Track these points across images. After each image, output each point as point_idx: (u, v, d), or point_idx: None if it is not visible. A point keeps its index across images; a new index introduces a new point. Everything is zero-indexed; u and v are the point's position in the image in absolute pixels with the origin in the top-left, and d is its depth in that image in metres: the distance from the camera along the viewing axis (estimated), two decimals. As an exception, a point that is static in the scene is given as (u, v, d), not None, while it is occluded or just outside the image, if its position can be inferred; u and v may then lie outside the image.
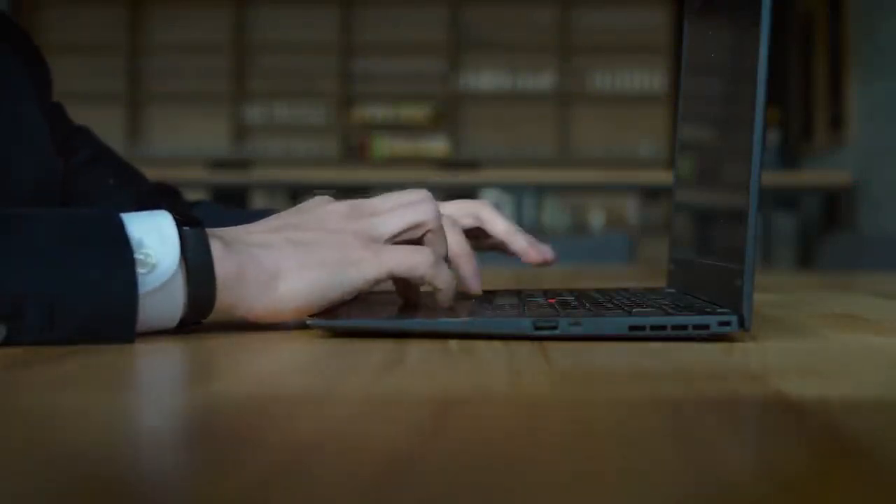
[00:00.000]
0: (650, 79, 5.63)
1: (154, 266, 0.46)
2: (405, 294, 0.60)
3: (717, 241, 0.56)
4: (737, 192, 0.50)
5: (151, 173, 0.92)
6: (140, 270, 0.46)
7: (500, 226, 0.75)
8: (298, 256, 0.51)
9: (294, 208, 0.56)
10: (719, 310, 0.50)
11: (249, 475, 0.23)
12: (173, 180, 1.00)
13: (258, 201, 4.83)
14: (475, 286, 0.63)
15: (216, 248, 0.48)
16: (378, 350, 0.45)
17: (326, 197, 0.56)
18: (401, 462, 0.24)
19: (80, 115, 0.86)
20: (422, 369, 0.41)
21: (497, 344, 0.47)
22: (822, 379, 0.38)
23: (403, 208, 0.55)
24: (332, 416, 0.31)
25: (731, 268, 0.51)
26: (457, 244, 0.64)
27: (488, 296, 0.63)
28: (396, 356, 0.43)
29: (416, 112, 5.70)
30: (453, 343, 0.47)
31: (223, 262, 0.48)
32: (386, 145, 5.71)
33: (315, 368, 0.42)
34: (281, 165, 5.30)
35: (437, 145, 5.68)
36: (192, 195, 0.97)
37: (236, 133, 5.72)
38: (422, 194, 0.57)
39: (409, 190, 0.58)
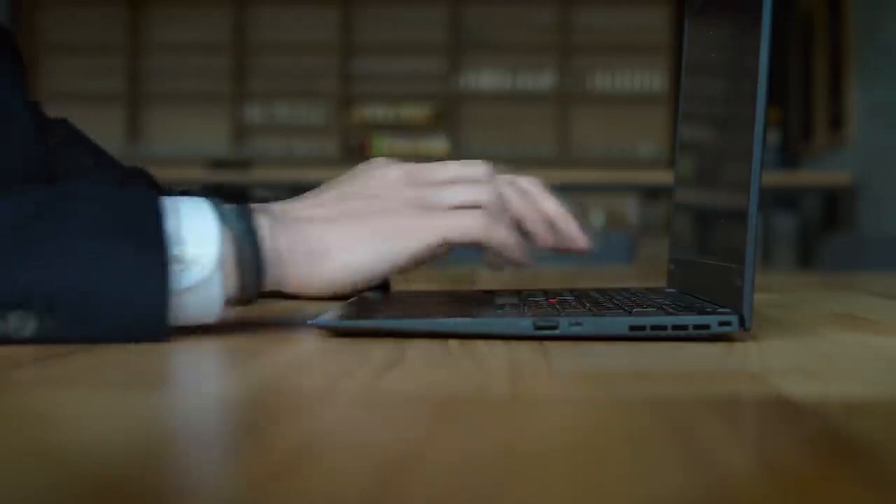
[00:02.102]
0: (650, 79, 5.63)
1: (191, 263, 0.46)
2: (496, 261, 0.57)
3: (717, 241, 0.56)
4: (737, 192, 0.50)
5: (151, 173, 0.92)
6: (176, 267, 0.45)
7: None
8: (348, 230, 0.50)
9: (350, 172, 0.55)
10: (720, 310, 0.50)
11: (249, 475, 0.23)
12: (173, 180, 1.00)
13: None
14: (583, 243, 0.59)
15: (264, 225, 0.48)
16: (378, 350, 0.45)
17: (384, 159, 0.55)
18: (401, 462, 0.24)
19: (80, 115, 0.86)
20: (422, 369, 0.41)
21: (497, 344, 0.47)
22: (822, 379, 0.38)
23: (463, 185, 0.53)
24: (332, 416, 0.31)
25: (731, 268, 0.51)
26: (550, 207, 0.60)
27: (488, 296, 0.63)
28: (396, 356, 0.43)
29: (416, 112, 5.70)
30: (453, 343, 0.47)
31: (271, 239, 0.48)
32: (386, 145, 5.71)
33: (315, 368, 0.42)
34: (281, 165, 5.30)
35: (437, 145, 5.68)
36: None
37: (236, 133, 5.72)
38: (483, 170, 0.55)
39: (471, 161, 0.55)
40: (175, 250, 0.45)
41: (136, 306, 0.45)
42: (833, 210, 4.10)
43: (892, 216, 3.56)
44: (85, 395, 0.34)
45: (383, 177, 0.53)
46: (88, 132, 0.89)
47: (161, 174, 0.93)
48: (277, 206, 0.51)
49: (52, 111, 0.86)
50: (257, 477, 0.23)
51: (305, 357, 0.45)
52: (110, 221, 0.46)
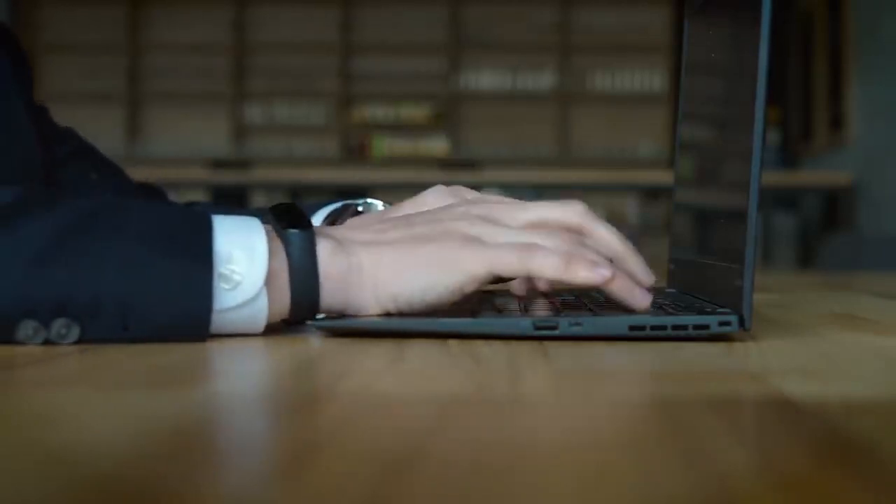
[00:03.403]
0: (650, 79, 5.63)
1: (238, 283, 0.46)
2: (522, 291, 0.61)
3: (717, 241, 0.56)
4: (737, 192, 0.50)
5: (151, 173, 0.92)
6: (223, 286, 0.46)
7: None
8: (398, 258, 0.50)
9: (429, 191, 0.56)
10: (719, 310, 0.50)
11: (249, 475, 0.23)
12: (173, 180, 1.00)
13: (258, 201, 4.83)
14: (647, 279, 0.53)
15: (325, 249, 0.49)
16: (378, 350, 0.45)
17: (441, 187, 0.56)
18: (401, 462, 0.24)
19: (80, 115, 0.86)
20: (422, 369, 0.41)
21: (497, 344, 0.47)
22: (822, 379, 0.38)
23: (537, 233, 0.50)
24: (332, 416, 0.31)
25: (731, 268, 0.51)
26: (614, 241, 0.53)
27: (488, 296, 0.63)
28: (396, 356, 0.43)
29: (416, 112, 5.70)
30: (453, 343, 0.47)
31: (328, 265, 0.49)
32: (386, 145, 5.71)
33: (315, 368, 0.42)
34: (281, 165, 5.29)
35: (437, 145, 5.67)
36: (192, 195, 0.97)
37: (236, 133, 5.72)
38: (575, 209, 0.51)
39: (567, 203, 0.52)
40: (222, 268, 0.46)
41: (179, 319, 0.46)
42: (833, 210, 4.10)
43: (892, 216, 3.56)
44: (85, 395, 0.34)
45: (452, 208, 0.53)
46: (88, 132, 0.89)
47: (161, 174, 0.93)
48: (341, 230, 0.52)
49: (52, 111, 0.86)
50: (258, 477, 0.23)
51: (305, 357, 0.45)
52: (160, 235, 0.47)
